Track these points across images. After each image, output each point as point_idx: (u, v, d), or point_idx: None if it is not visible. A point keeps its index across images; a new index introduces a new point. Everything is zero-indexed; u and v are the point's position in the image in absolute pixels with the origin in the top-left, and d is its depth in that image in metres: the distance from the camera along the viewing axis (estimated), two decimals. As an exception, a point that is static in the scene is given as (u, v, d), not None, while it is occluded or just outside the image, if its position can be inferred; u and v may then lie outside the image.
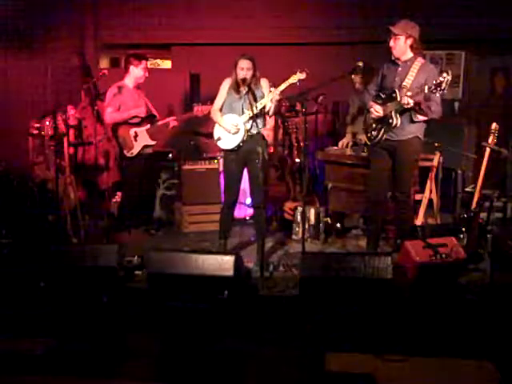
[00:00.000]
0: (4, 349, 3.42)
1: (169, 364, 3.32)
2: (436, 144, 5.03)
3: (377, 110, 4.47)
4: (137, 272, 4.40)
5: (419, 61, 4.41)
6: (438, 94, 4.18)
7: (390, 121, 4.41)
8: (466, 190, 5.38)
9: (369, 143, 4.71)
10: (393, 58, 4.47)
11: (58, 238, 5.14)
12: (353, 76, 5.49)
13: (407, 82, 4.36)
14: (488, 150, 4.68)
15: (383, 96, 4.49)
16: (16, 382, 3.13)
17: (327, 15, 7.14)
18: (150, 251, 4.04)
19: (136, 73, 5.36)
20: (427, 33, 6.79)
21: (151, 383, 3.16)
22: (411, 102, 4.25)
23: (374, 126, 4.58)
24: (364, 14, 6.87)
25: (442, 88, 4.08)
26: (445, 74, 4.06)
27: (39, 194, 5.50)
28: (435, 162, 5.17)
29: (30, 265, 4.12)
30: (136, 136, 5.36)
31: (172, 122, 5.56)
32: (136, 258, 4.52)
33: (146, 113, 5.44)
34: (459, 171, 5.96)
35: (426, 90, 4.16)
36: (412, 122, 4.44)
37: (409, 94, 4.28)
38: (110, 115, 5.34)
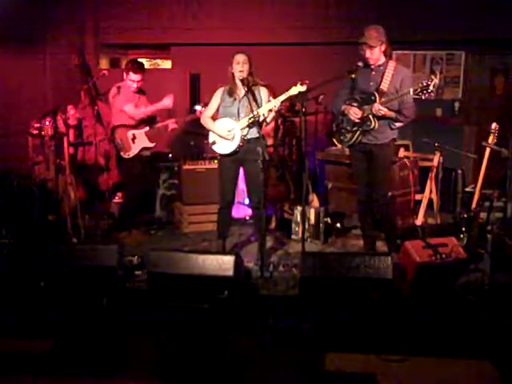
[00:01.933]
0: (3, 349, 3.42)
1: (169, 364, 3.32)
2: (436, 144, 5.03)
3: (355, 113, 4.50)
4: (137, 272, 4.40)
5: (391, 64, 4.47)
6: (423, 97, 4.19)
7: (368, 123, 4.46)
8: (466, 189, 5.39)
9: (339, 146, 4.75)
10: (361, 64, 4.48)
11: (58, 237, 5.14)
12: (352, 77, 5.48)
13: (384, 85, 4.42)
14: (488, 149, 4.68)
15: (359, 99, 4.53)
16: (15, 382, 3.13)
17: (327, 15, 7.15)
18: (150, 251, 4.04)
19: (127, 81, 5.36)
20: (427, 33, 6.86)
21: (151, 383, 3.16)
22: (383, 110, 4.32)
23: (348, 128, 4.61)
24: (364, 14, 6.86)
25: (429, 91, 4.11)
26: (432, 77, 4.10)
27: (39, 194, 5.49)
28: (435, 162, 5.17)
29: (30, 265, 4.12)
30: (134, 138, 5.35)
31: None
32: (136, 258, 4.52)
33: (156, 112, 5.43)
34: (459, 171, 5.96)
35: (412, 93, 4.19)
36: (391, 127, 4.52)
37: (383, 100, 4.34)
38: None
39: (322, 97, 6.02)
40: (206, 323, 3.65)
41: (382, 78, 4.44)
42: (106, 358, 3.36)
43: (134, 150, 5.36)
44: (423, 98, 4.20)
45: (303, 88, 4.35)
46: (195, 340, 3.53)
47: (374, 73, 4.51)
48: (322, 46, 7.12)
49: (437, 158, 5.16)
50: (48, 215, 5.42)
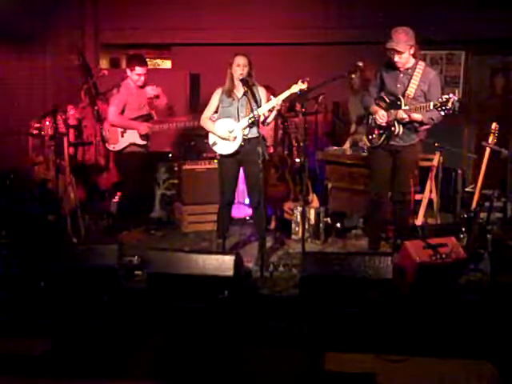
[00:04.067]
0: (3, 349, 3.42)
1: (169, 364, 3.32)
2: (436, 144, 5.03)
3: (381, 117, 4.47)
4: (137, 272, 4.40)
5: (420, 67, 4.39)
6: (442, 113, 4.14)
7: (393, 129, 4.45)
8: (466, 189, 5.39)
9: (369, 145, 4.72)
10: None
11: (58, 237, 5.14)
12: (352, 76, 5.49)
13: (410, 90, 4.38)
14: (488, 149, 4.68)
15: (388, 101, 4.49)
16: (15, 382, 3.13)
17: (327, 15, 7.14)
18: (150, 251, 4.04)
19: (132, 76, 5.34)
20: (428, 33, 6.85)
21: (151, 383, 3.16)
22: (406, 118, 4.30)
23: (376, 130, 4.60)
24: (364, 14, 6.87)
25: (448, 108, 4.05)
26: (451, 95, 4.04)
27: (39, 194, 5.49)
28: (435, 162, 5.17)
29: (30, 265, 4.12)
30: (124, 132, 5.31)
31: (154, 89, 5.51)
32: (136, 258, 4.52)
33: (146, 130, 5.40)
34: (459, 171, 5.96)
35: (432, 107, 4.15)
36: (416, 130, 4.49)
37: (406, 107, 4.31)
38: (116, 117, 5.28)
39: (321, 97, 6.02)
40: (205, 323, 3.65)
41: (410, 81, 4.38)
42: (105, 359, 3.36)
43: (121, 144, 5.30)
44: (442, 114, 4.14)
45: (304, 86, 4.34)
46: (195, 340, 3.52)
47: (402, 75, 4.44)
48: (322, 46, 7.12)
49: (437, 158, 5.17)
50: (48, 215, 5.41)
